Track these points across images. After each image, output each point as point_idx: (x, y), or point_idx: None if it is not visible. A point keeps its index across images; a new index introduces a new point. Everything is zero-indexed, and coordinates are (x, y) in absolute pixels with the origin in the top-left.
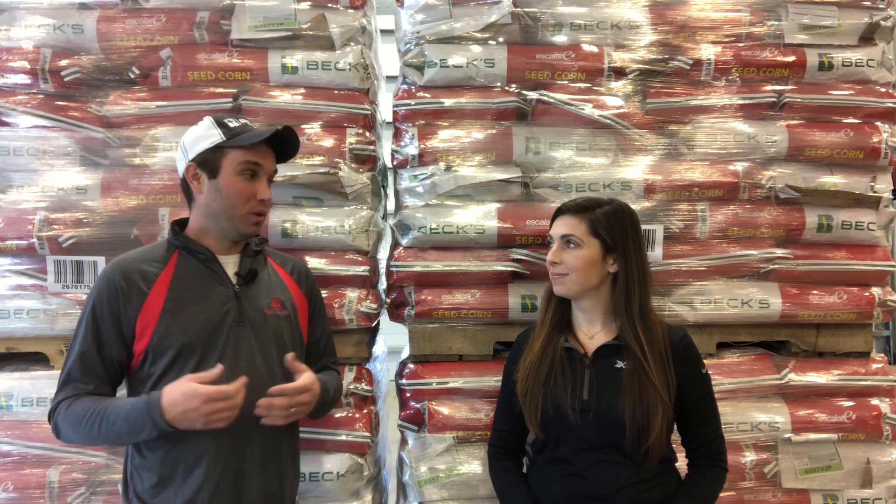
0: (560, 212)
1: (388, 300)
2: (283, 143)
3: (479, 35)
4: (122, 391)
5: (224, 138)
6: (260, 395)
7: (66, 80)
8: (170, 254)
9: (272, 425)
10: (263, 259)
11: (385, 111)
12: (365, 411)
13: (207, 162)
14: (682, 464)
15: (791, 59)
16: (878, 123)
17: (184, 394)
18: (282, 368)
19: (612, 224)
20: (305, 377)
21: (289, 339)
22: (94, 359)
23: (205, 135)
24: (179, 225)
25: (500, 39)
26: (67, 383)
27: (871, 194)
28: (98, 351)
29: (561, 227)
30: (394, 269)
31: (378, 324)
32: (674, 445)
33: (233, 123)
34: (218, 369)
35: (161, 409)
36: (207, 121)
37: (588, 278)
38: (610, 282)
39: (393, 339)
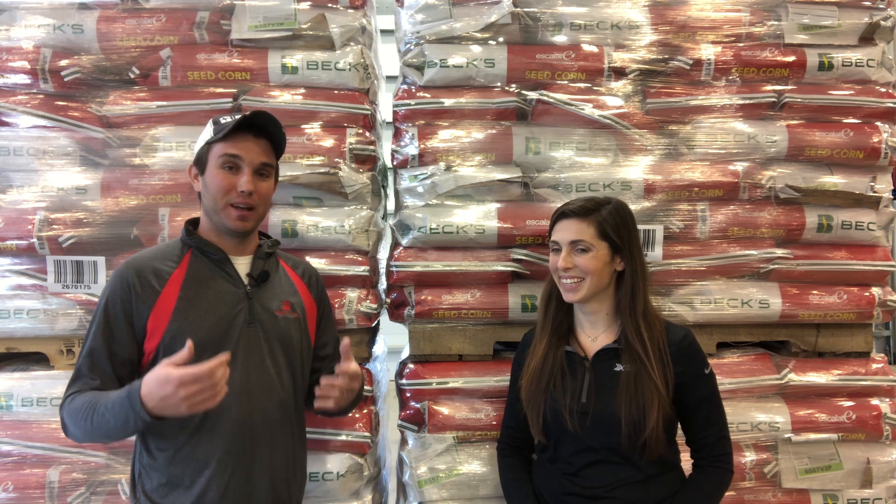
0: (563, 215)
1: (388, 300)
2: (269, 133)
3: (479, 35)
4: None
5: (213, 135)
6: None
7: (66, 80)
8: (183, 253)
9: (281, 427)
10: (276, 261)
11: (385, 111)
12: (365, 411)
13: (200, 160)
14: (687, 466)
15: (791, 59)
16: (878, 123)
17: (157, 380)
18: (288, 371)
19: (619, 223)
20: (356, 366)
21: (297, 342)
22: (102, 356)
23: (204, 135)
24: (193, 224)
25: (500, 39)
26: (76, 379)
27: (871, 194)
28: (107, 348)
29: (568, 233)
30: (394, 269)
31: (378, 324)
32: (683, 454)
33: (225, 119)
34: (187, 348)
35: (141, 399)
36: (209, 121)
37: (601, 280)
38: (615, 281)
39: (393, 339)
